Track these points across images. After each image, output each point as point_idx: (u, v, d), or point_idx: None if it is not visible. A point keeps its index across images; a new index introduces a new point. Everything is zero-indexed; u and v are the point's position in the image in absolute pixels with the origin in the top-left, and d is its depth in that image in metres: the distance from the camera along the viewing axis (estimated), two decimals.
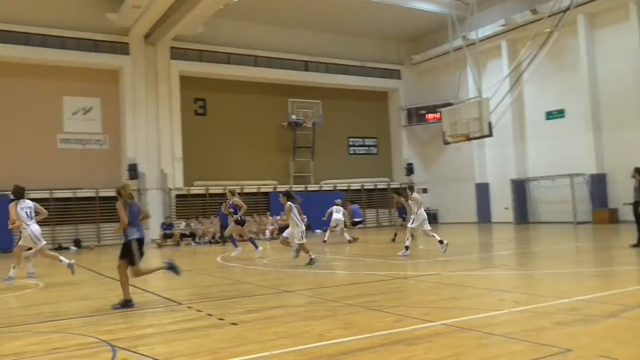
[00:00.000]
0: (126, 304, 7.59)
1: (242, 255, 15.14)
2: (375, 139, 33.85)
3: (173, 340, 5.64)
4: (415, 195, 13.41)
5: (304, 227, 12.49)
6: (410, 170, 33.05)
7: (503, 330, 5.36)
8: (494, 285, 8.73)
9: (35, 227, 10.98)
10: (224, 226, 23.19)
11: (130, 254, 7.73)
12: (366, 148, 33.58)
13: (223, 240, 22.73)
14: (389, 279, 9.72)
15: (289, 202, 12.43)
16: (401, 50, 33.74)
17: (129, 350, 5.13)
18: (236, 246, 15.32)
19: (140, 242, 7.89)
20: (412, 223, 13.26)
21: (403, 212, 18.39)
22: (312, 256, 12.19)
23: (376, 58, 32.65)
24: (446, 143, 25.91)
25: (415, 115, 32.91)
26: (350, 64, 31.79)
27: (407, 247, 13.21)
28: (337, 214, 19.59)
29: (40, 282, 11.05)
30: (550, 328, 5.42)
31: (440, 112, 27.02)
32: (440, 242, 13.13)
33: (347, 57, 31.60)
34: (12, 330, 6.40)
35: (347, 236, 19.29)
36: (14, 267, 11.05)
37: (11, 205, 10.96)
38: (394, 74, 33.51)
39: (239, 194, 16.40)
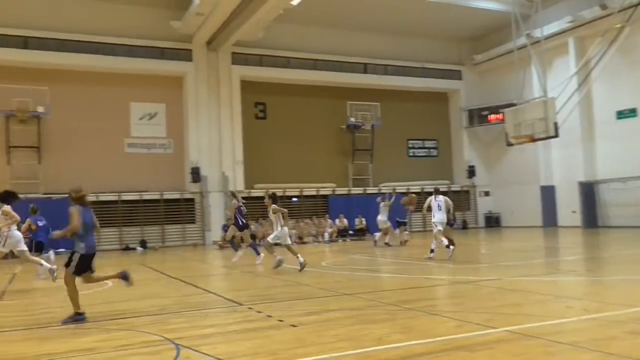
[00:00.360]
0: (76, 317, 7.05)
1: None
2: (435, 141, 33.37)
3: (234, 341, 5.74)
4: (428, 199, 13.67)
5: (285, 231, 12.45)
6: (471, 172, 32.40)
7: (570, 338, 5.15)
8: (560, 291, 8.41)
9: (17, 233, 10.91)
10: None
11: (69, 262, 7.18)
12: (426, 150, 33.14)
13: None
14: (449, 283, 9.54)
15: (273, 205, 12.37)
16: (462, 50, 33.13)
17: (192, 349, 5.25)
18: (236, 250, 14.90)
19: (89, 257, 7.25)
20: (437, 227, 13.40)
21: (453, 217, 17.93)
22: (278, 257, 12.17)
23: (436, 59, 32.19)
24: (509, 144, 25.17)
25: (477, 117, 32.23)
26: (409, 65, 31.48)
27: (448, 246, 12.96)
28: (380, 215, 19.02)
29: (108, 281, 11.46)
30: (622, 338, 5.16)
31: (503, 112, 26.30)
32: (432, 250, 13.21)
33: (406, 59, 31.32)
34: (83, 327, 6.69)
35: (386, 239, 18.80)
36: (41, 265, 11.27)
37: (9, 208, 10.72)
38: (455, 75, 32.94)
39: (234, 195, 15.42)
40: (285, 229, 12.50)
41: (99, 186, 24.66)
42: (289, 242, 12.68)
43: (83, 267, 7.19)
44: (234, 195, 15.15)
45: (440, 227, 13.26)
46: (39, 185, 23.77)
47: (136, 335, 6.07)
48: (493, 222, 31.97)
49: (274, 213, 12.41)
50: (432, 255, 13.18)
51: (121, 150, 25.90)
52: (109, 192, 24.75)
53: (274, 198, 12.67)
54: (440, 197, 13.57)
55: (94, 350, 5.46)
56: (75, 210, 7.14)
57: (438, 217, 13.33)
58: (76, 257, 7.11)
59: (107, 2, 24.88)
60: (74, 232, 7.07)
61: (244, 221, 14.50)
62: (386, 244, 18.72)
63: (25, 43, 23.83)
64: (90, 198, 25.09)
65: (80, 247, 7.12)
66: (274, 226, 12.46)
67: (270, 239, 12.49)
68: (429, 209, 13.61)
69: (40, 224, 13.94)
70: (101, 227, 19.64)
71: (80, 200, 7.32)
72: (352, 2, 26.83)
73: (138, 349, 5.47)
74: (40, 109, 23.68)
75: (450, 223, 17.07)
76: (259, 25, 24.72)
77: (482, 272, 11.38)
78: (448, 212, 13.52)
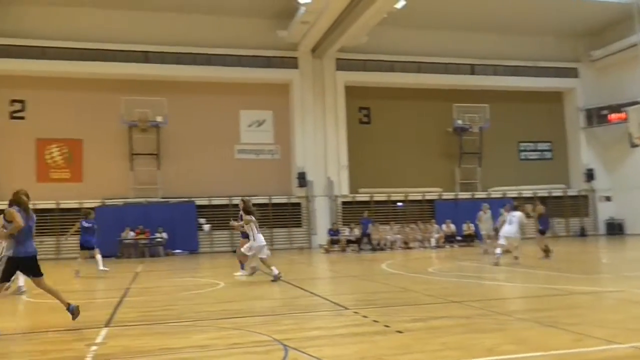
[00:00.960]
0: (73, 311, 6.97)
1: (405, 264, 14.98)
2: (549, 143, 31.68)
3: (340, 344, 5.76)
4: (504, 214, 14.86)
5: (263, 242, 11.97)
6: (590, 176, 30.37)
7: None
8: None
9: None
10: (365, 234, 23.06)
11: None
12: (539, 153, 31.55)
13: (359, 247, 22.65)
14: (566, 293, 8.97)
15: (247, 215, 11.98)
16: (578, 47, 31.20)
17: (299, 351, 5.33)
18: (242, 268, 13.18)
19: (21, 261, 6.94)
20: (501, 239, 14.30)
21: (545, 224, 16.72)
22: (276, 272, 11.59)
23: (550, 56, 30.57)
24: (633, 146, 23.38)
25: (596, 116, 30.20)
26: (520, 64, 30.16)
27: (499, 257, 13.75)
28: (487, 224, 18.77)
29: (220, 282, 12.00)
30: None
31: (625, 111, 24.47)
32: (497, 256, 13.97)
33: (517, 58, 30.03)
34: (197, 325, 7.03)
35: (485, 246, 18.49)
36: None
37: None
38: (570, 73, 31.10)
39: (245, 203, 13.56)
40: (259, 239, 11.90)
41: (211, 191, 25.96)
42: (265, 255, 12.09)
43: (9, 272, 6.95)
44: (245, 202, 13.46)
45: (503, 241, 14.07)
46: (158, 190, 25.43)
47: (247, 334, 6.27)
48: (615, 229, 29.72)
49: (246, 224, 11.99)
50: (497, 260, 13.87)
51: (231, 156, 27.06)
52: (220, 196, 25.91)
53: (245, 208, 12.20)
54: (516, 213, 14.20)
55: (208, 347, 5.72)
56: (13, 211, 6.91)
57: (506, 229, 14.11)
58: (9, 264, 6.87)
59: (217, 16, 26.14)
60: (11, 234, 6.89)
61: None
62: (485, 251, 18.10)
63: (146, 57, 25.65)
64: (203, 202, 26.56)
65: (13, 249, 6.90)
66: (250, 237, 11.96)
67: (244, 249, 12.14)
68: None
69: (86, 225, 14.63)
70: (213, 230, 20.55)
71: (17, 202, 7.07)
72: (457, 1, 26.19)
73: (248, 348, 5.65)
74: (159, 119, 25.33)
75: (541, 231, 16.08)
76: (363, 30, 24.82)
77: (603, 282, 10.61)
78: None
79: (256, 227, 12.04)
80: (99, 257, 14.67)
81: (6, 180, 24.18)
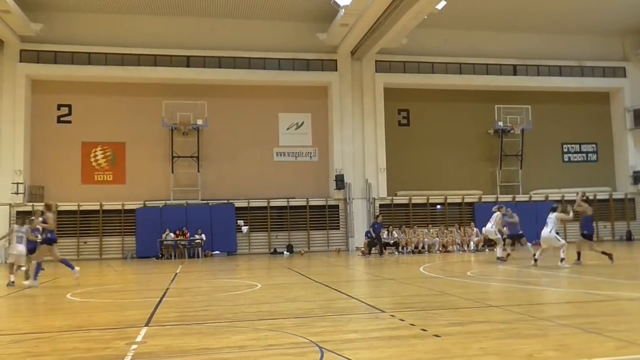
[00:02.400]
0: None
1: (443, 267, 14.73)
2: (594, 145, 30.83)
3: (376, 347, 5.72)
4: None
5: (23, 251, 12.46)
6: (637, 178, 29.44)
7: None
8: None
9: None
10: (377, 238, 22.26)
11: None
12: (583, 155, 30.74)
13: (380, 252, 22.06)
14: (612, 299, 8.69)
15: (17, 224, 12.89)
16: (625, 45, 30.29)
17: (335, 353, 5.32)
18: (40, 270, 12.60)
19: None
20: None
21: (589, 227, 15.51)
22: (11, 280, 12.15)
23: (595, 56, 29.77)
24: None
25: None
26: (564, 64, 29.50)
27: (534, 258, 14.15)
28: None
29: (258, 283, 12.10)
30: None
31: None
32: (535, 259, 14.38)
33: (560, 57, 29.37)
34: (235, 325, 7.09)
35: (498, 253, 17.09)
36: None
37: None
38: (617, 72, 30.21)
39: (49, 208, 12.89)
40: (15, 248, 12.46)
41: (250, 193, 26.23)
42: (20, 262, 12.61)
43: None
44: (49, 207, 12.86)
45: (542, 243, 14.41)
46: (198, 192, 25.83)
47: (283, 336, 6.30)
48: None
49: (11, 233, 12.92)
50: (535, 263, 14.29)
51: (270, 159, 27.29)
52: (259, 198, 26.15)
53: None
54: (552, 215, 14.36)
55: (245, 347, 5.76)
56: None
57: (542, 231, 14.38)
58: None
59: (257, 20, 26.45)
60: None
61: (53, 235, 12.57)
62: (498, 258, 17.10)
63: (187, 62, 26.13)
64: (242, 204, 26.95)
65: None
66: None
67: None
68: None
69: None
70: (252, 231, 20.93)
71: None
72: (498, 1, 25.76)
73: (285, 349, 5.67)
74: (199, 122, 25.76)
75: (583, 235, 15.28)
76: (402, 32, 24.68)
77: None
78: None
79: (17, 237, 12.59)
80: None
81: (53, 182, 25.00)
